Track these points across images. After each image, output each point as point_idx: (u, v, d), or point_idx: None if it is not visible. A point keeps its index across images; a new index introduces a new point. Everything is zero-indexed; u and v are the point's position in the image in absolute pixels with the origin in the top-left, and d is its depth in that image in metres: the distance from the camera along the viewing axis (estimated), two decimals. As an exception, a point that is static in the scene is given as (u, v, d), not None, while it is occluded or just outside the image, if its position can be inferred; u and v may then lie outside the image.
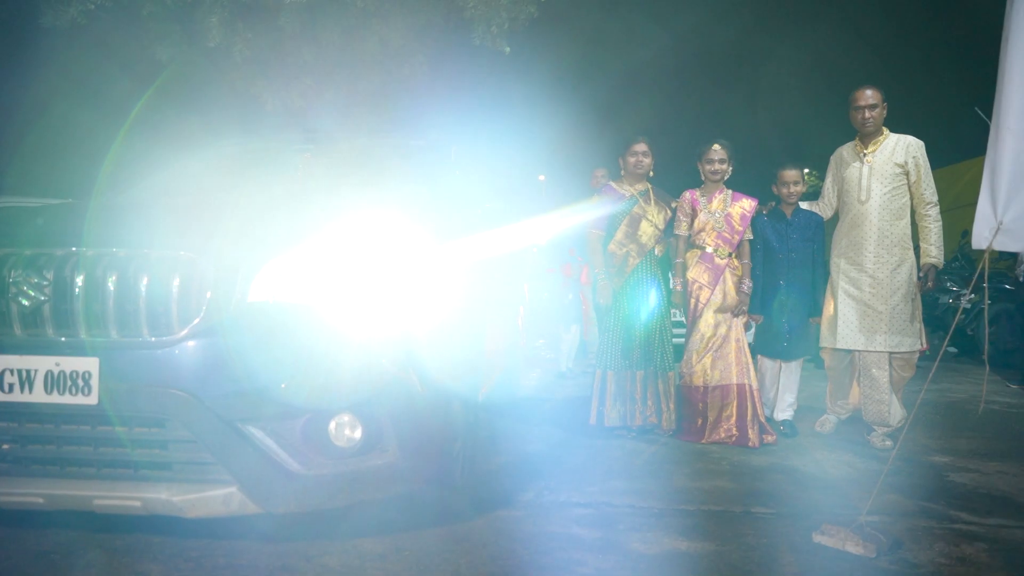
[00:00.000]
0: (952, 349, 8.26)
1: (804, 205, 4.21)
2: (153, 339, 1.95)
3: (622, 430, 3.97)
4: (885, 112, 3.79)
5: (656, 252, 4.08)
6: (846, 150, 3.95)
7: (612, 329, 4.02)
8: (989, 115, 2.53)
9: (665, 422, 3.99)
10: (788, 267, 4.08)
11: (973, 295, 7.95)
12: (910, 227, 3.78)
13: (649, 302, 4.01)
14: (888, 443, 3.77)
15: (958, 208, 11.80)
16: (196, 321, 1.98)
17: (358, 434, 2.09)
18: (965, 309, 8.01)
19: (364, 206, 2.74)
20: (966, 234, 9.69)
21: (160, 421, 1.96)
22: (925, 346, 3.81)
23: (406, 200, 3.01)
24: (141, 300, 1.97)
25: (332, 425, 2.08)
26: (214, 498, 1.95)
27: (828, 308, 3.93)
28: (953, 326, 3.05)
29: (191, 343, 1.96)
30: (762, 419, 3.90)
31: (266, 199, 2.81)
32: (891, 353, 3.71)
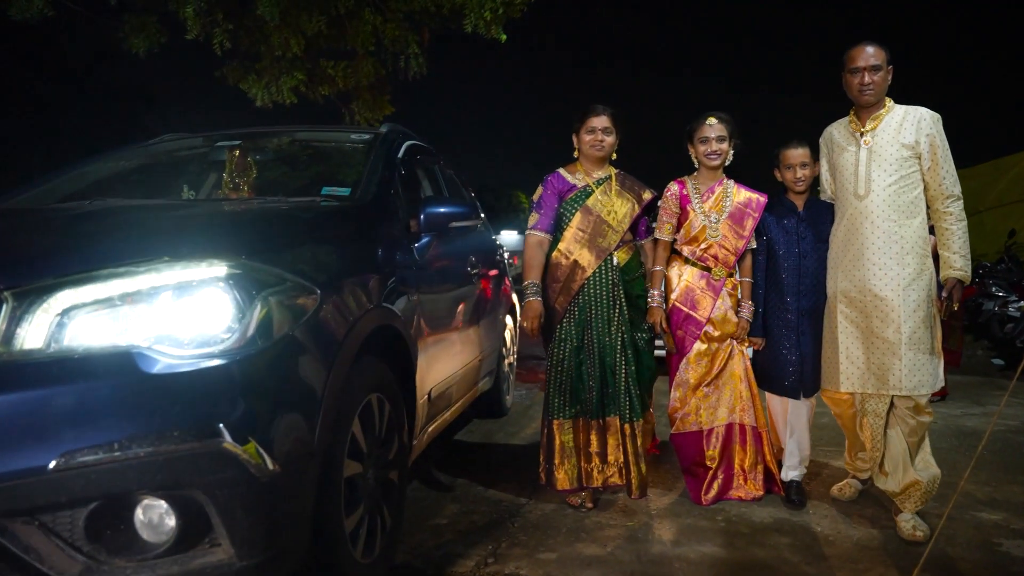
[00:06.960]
0: (998, 361, 7.43)
1: None
2: None
3: (575, 494, 3.08)
4: (890, 78, 2.83)
5: (615, 261, 3.09)
6: (838, 129, 2.99)
7: (557, 364, 3.07)
8: None
9: (635, 487, 3.01)
10: (798, 276, 3.10)
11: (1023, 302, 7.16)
12: (926, 228, 2.85)
13: (608, 328, 3.04)
14: (919, 534, 2.71)
15: (1003, 205, 10.91)
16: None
17: (171, 524, 1.52)
18: (1014, 317, 7.20)
19: (248, 212, 2.18)
20: (1014, 233, 8.82)
21: None
22: (944, 388, 2.83)
23: (314, 206, 2.44)
24: None
25: (137, 513, 1.51)
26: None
27: (827, 340, 3.01)
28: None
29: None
30: (771, 465, 3.17)
31: (129, 208, 2.27)
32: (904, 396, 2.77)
